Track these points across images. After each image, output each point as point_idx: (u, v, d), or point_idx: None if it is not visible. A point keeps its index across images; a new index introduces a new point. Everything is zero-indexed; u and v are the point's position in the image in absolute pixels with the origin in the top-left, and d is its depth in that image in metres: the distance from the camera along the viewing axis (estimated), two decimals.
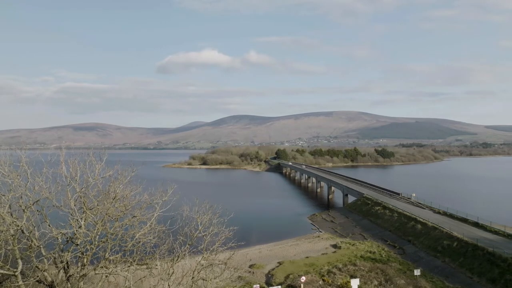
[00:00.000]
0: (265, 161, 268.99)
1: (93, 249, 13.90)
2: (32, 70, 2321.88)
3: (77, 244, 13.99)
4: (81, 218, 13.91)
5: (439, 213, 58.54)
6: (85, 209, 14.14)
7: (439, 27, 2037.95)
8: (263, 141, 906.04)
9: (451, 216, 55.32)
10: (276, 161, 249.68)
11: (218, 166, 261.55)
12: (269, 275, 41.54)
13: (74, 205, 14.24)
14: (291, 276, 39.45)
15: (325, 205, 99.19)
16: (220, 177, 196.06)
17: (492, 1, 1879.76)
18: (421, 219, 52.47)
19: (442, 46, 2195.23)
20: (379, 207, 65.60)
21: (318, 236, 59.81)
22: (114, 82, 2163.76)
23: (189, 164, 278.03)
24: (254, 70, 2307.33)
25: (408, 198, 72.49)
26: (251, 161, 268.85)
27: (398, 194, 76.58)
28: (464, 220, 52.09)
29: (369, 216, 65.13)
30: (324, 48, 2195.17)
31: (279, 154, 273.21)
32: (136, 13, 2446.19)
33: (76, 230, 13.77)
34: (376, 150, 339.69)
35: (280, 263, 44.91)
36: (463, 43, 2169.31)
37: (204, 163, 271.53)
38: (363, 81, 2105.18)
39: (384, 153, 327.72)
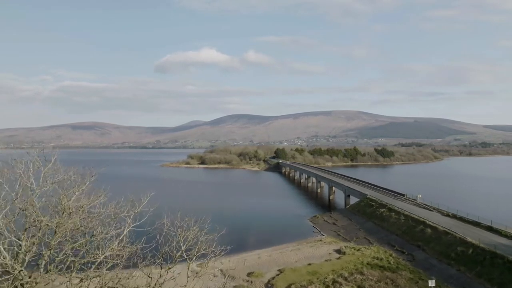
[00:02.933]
0: (264, 161, 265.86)
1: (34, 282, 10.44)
2: (31, 69, 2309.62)
3: (14, 274, 10.57)
4: (19, 239, 10.50)
5: (448, 215, 55.38)
6: (26, 226, 10.77)
7: (438, 27, 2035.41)
8: (261, 141, 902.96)
9: (462, 219, 52.15)
10: (275, 161, 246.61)
11: (216, 166, 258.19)
12: (269, 285, 38.27)
13: (11, 221, 10.78)
14: (293, 286, 36.24)
15: (326, 206, 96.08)
16: (218, 176, 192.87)
17: (491, 1, 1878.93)
18: (430, 223, 49.27)
19: (441, 46, 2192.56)
20: (384, 209, 62.38)
21: (321, 240, 56.61)
22: (112, 82, 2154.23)
23: (187, 163, 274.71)
24: (253, 70, 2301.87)
25: (414, 200, 69.35)
26: (250, 160, 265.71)
27: (403, 195, 73.45)
28: (476, 224, 48.91)
29: (374, 218, 61.92)
30: (323, 48, 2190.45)
31: (278, 153, 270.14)
32: (135, 13, 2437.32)
33: (11, 255, 10.37)
34: (376, 150, 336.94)
35: (280, 271, 41.61)
36: (462, 43, 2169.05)
37: (203, 163, 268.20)
38: (362, 80, 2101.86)
39: (384, 153, 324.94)
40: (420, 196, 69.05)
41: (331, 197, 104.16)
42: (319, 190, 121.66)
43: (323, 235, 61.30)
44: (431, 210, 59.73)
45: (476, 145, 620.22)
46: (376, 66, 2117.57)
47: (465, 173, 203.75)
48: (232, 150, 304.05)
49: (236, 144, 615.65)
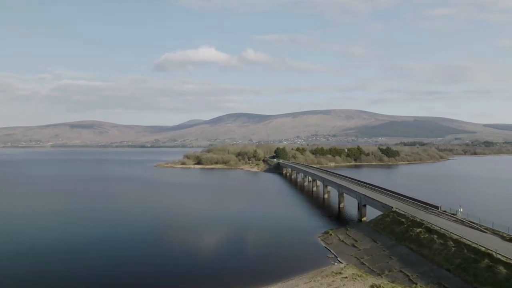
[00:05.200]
0: (263, 161, 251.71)
1: None
2: (29, 67, 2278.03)
3: None
4: None
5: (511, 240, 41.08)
6: None
7: (436, 26, 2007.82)
8: (261, 139, 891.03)
9: None
10: (275, 161, 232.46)
11: (213, 166, 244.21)
12: None
13: None
14: None
15: (336, 216, 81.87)
16: (213, 178, 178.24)
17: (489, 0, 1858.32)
18: (501, 256, 34.88)
19: (439, 45, 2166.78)
20: (420, 229, 47.99)
21: (340, 273, 42.25)
22: (111, 80, 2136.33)
23: (183, 163, 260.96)
24: (252, 68, 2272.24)
25: (453, 214, 54.96)
26: (249, 160, 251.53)
27: (437, 207, 59.05)
28: None
29: (407, 241, 47.57)
30: (322, 46, 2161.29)
31: (278, 153, 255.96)
32: (133, 11, 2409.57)
33: None
34: (380, 149, 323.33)
35: None
36: (461, 42, 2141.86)
37: (199, 163, 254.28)
38: (361, 79, 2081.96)
39: (388, 152, 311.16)
40: (461, 210, 54.66)
41: (341, 205, 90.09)
42: (326, 196, 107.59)
43: (341, 262, 47.02)
44: (484, 231, 45.36)
45: (479, 144, 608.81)
46: (375, 64, 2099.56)
47: (480, 174, 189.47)
48: (230, 149, 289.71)
49: (235, 143, 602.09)
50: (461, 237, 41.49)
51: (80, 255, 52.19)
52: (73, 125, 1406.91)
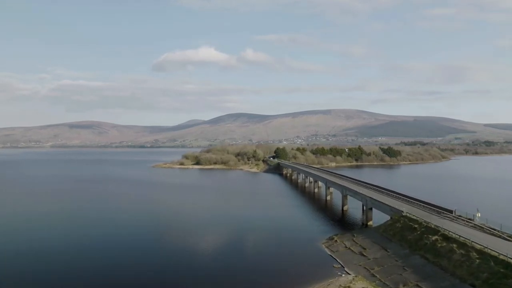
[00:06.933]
0: (263, 161, 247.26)
1: None
2: (29, 67, 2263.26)
3: None
4: None
5: None
6: None
7: (436, 26, 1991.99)
8: (261, 139, 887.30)
9: None
10: (275, 161, 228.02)
11: (212, 166, 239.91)
12: None
13: None
14: None
15: (340, 220, 77.53)
16: (211, 179, 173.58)
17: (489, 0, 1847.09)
18: None
19: (439, 45, 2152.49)
20: (436, 236, 43.44)
21: (349, 287, 37.75)
22: (111, 80, 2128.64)
23: (181, 164, 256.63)
24: (252, 68, 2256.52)
25: (470, 219, 50.38)
26: (248, 160, 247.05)
27: (451, 211, 54.47)
28: None
29: (422, 250, 43.01)
30: (322, 46, 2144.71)
31: (278, 153, 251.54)
32: (133, 11, 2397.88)
33: None
34: (381, 149, 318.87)
35: None
36: (461, 42, 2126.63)
37: (198, 163, 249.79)
38: (361, 79, 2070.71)
39: (390, 152, 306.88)
40: (479, 214, 50.09)
41: (344, 208, 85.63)
42: (328, 198, 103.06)
43: (349, 273, 42.44)
44: (508, 239, 40.79)
45: (480, 144, 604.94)
46: (375, 64, 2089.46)
47: (488, 175, 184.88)
48: (230, 149, 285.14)
49: (235, 143, 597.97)
50: (486, 247, 36.90)
51: (80, 255, 51.52)
52: (72, 125, 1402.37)
